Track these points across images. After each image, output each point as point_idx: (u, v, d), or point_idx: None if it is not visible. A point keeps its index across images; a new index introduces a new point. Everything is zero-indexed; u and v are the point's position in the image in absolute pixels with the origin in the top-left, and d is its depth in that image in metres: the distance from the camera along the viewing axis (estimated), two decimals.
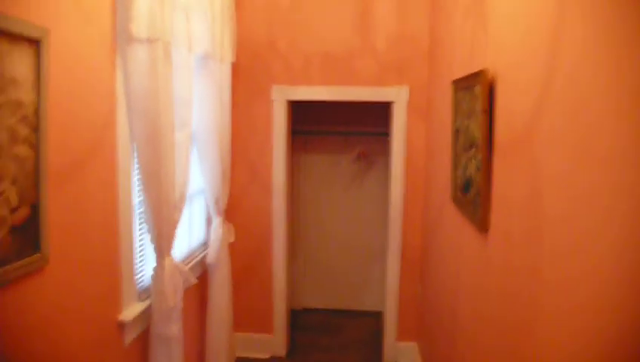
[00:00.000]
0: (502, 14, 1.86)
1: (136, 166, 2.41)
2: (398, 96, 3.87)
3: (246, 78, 3.95)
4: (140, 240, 2.53)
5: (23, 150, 1.62)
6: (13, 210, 1.59)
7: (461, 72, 2.51)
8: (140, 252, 2.53)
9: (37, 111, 1.68)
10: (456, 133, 2.45)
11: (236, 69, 3.82)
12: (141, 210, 2.49)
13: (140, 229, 2.52)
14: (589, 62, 1.13)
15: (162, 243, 2.48)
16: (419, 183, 3.93)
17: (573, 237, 1.19)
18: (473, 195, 2.10)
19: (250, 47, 3.92)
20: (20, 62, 1.59)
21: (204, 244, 3.51)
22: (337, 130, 4.94)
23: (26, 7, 1.64)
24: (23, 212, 1.63)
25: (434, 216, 3.39)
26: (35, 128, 1.67)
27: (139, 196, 2.47)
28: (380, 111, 4.44)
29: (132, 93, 2.28)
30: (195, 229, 3.46)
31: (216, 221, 3.41)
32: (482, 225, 1.97)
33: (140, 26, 2.19)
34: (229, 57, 3.41)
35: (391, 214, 4.00)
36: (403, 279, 4.05)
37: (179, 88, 2.60)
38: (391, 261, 4.05)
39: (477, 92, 2.01)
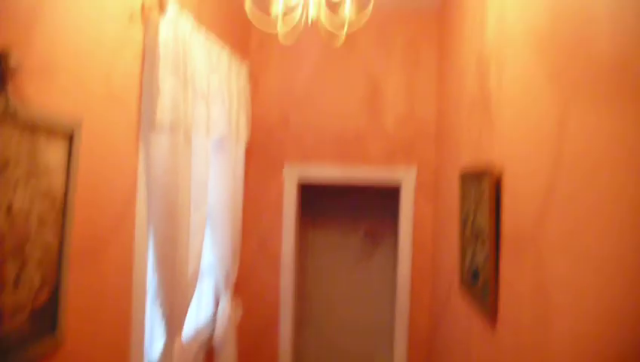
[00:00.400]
0: (507, 111, 1.96)
1: (151, 247, 2.47)
2: (406, 176, 3.97)
3: (259, 157, 4.08)
4: (151, 320, 2.55)
5: (49, 235, 1.69)
6: (36, 294, 1.64)
7: (468, 160, 2.60)
8: (151, 331, 2.55)
9: (65, 198, 1.76)
10: (464, 221, 2.51)
11: (250, 148, 3.96)
12: (154, 289, 2.53)
13: (152, 307, 2.54)
14: (592, 167, 1.21)
15: (173, 323, 2.50)
16: (426, 264, 3.96)
17: (581, 342, 1.23)
18: (481, 285, 2.14)
19: (264, 126, 4.07)
20: (54, 152, 1.69)
21: (212, 322, 3.51)
22: (346, 208, 5.02)
23: (62, 97, 1.76)
24: (44, 295, 1.69)
25: (442, 299, 3.40)
26: (63, 213, 1.75)
27: (152, 276, 2.51)
28: (389, 190, 4.53)
29: (152, 177, 2.38)
30: (203, 306, 3.47)
31: (225, 298, 3.43)
32: (491, 315, 1.99)
33: (163, 114, 2.33)
34: (243, 138, 3.55)
35: (398, 293, 4.00)
36: (410, 359, 4.00)
37: (196, 171, 2.71)
38: (398, 340, 4.01)
39: (484, 186, 2.09)
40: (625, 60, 1.05)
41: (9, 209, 1.49)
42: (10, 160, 1.48)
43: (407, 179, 3.97)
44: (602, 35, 1.16)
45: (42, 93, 1.65)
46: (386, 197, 4.77)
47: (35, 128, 1.59)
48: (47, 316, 1.70)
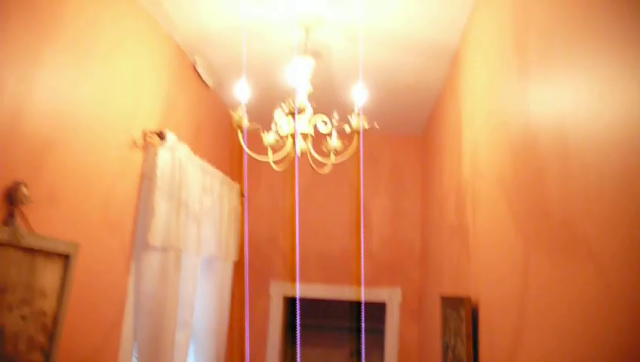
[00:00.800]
0: (481, 243, 2.09)
1: None
2: (390, 297, 4.02)
3: (246, 274, 4.14)
4: None
5: (36, 357, 1.72)
6: None
7: (448, 288, 2.69)
8: None
9: (55, 320, 1.81)
10: (446, 348, 2.55)
11: (238, 264, 4.02)
12: None
13: None
14: (554, 303, 1.30)
15: None
16: None
17: None
18: None
19: (253, 243, 4.17)
20: (50, 275, 1.77)
21: None
22: (332, 325, 4.98)
23: (63, 224, 1.87)
24: None
25: None
26: (51, 335, 1.80)
27: None
28: (376, 308, 4.54)
29: (141, 295, 2.44)
30: None
31: None
32: None
33: (156, 236, 2.43)
34: (232, 256, 3.63)
35: None
36: None
37: (184, 290, 2.77)
38: None
39: (462, 315, 2.16)
40: (569, 219, 1.19)
41: (1, 331, 1.54)
42: (9, 284, 1.56)
43: (391, 300, 4.02)
44: (552, 193, 1.31)
45: (45, 221, 1.76)
46: (372, 316, 4.77)
47: (35, 253, 1.68)
48: None
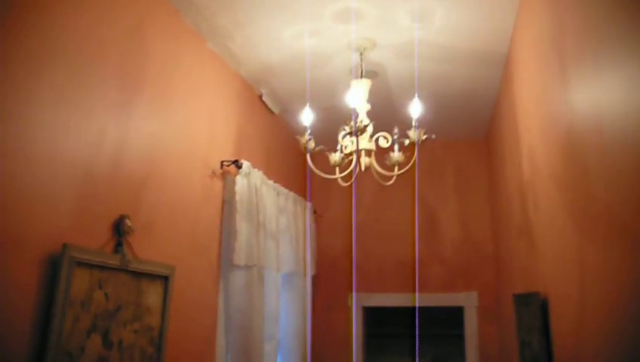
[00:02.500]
0: (543, 239, 2.16)
1: None
2: (467, 301, 4.07)
3: (325, 287, 4.33)
4: None
5: None
6: None
7: (520, 286, 2.75)
8: None
9: (160, 333, 2.07)
10: (522, 345, 2.61)
11: (316, 279, 4.22)
12: None
13: None
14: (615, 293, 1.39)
15: None
16: None
17: None
18: None
19: (329, 258, 4.36)
20: (154, 294, 2.03)
21: None
22: (411, 333, 5.06)
23: (159, 250, 2.14)
24: None
25: None
26: (158, 347, 2.05)
27: None
28: (454, 312, 4.58)
29: (230, 311, 2.68)
30: None
31: None
32: None
33: (239, 256, 2.67)
34: (310, 271, 3.84)
35: None
36: None
37: (268, 305, 2.99)
38: None
39: (533, 310, 2.23)
40: (613, 211, 1.28)
41: (120, 343, 1.81)
42: (123, 303, 1.83)
43: (468, 303, 4.07)
44: (595, 187, 1.40)
45: (146, 248, 2.03)
46: (451, 322, 4.81)
47: (141, 276, 1.95)
48: None
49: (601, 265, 1.41)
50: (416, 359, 4.70)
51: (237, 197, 2.72)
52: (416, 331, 4.93)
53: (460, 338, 4.20)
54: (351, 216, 4.43)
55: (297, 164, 4.08)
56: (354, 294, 4.29)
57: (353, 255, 4.33)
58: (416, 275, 4.15)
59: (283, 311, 3.46)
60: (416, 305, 4.15)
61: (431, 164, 4.38)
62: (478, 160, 4.33)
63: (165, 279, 2.12)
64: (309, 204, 3.97)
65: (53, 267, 1.53)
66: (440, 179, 4.36)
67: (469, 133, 4.25)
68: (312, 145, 2.50)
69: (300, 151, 3.99)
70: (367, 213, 4.42)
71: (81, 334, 1.62)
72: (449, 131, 4.13)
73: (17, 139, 1.45)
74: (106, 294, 1.74)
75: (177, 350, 2.25)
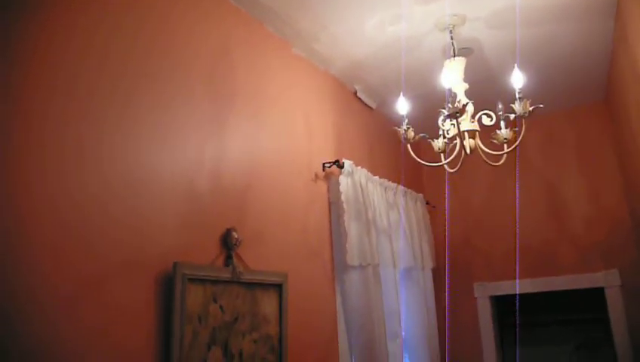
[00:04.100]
0: None
1: None
2: (607, 280, 3.70)
3: (448, 280, 4.16)
4: None
5: None
6: None
7: None
8: None
9: (280, 340, 2.09)
10: None
11: (437, 272, 4.07)
12: None
13: None
14: None
15: None
16: None
17: None
18: None
19: (449, 249, 4.19)
20: (269, 303, 2.06)
21: None
22: (550, 320, 4.72)
23: (270, 257, 2.16)
24: None
25: None
26: (279, 355, 2.07)
27: None
28: (595, 295, 4.20)
29: (349, 312, 2.65)
30: None
31: None
32: None
33: (352, 256, 2.63)
34: (429, 264, 3.71)
35: None
36: None
37: (388, 302, 2.92)
38: None
39: None
40: None
41: (240, 354, 1.84)
42: (239, 314, 1.86)
43: (609, 284, 3.70)
44: None
45: (256, 258, 2.06)
46: (591, 305, 4.41)
47: (254, 286, 1.98)
48: None
49: None
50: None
51: (342, 197, 2.69)
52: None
53: (602, 322, 3.83)
54: (466, 204, 4.24)
55: (402, 157, 3.97)
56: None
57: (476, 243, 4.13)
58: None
59: (405, 307, 3.37)
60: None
61: (546, 138, 4.05)
62: (599, 125, 3.93)
63: (279, 287, 2.13)
64: (420, 196, 3.85)
65: (168, 285, 1.59)
66: (559, 151, 4.02)
67: (584, 97, 3.86)
68: (411, 134, 2.40)
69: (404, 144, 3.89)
70: (482, 199, 4.19)
71: (201, 348, 1.67)
72: (561, 99, 3.78)
73: (125, 164, 1.53)
74: (221, 307, 1.78)
75: (299, 356, 2.25)
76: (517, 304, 4.46)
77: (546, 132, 4.03)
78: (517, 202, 4.00)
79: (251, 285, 1.96)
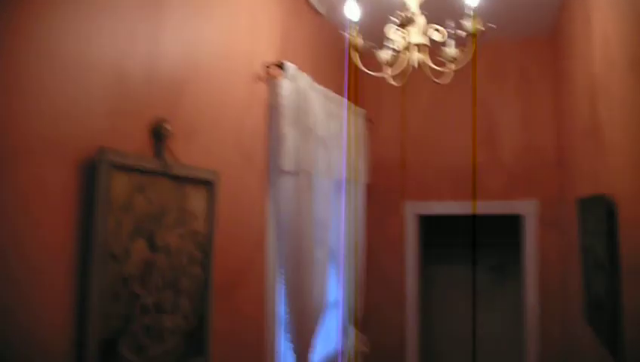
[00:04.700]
0: (617, 137, 1.96)
1: (281, 281, 2.72)
2: (527, 209, 3.91)
3: (379, 195, 4.26)
4: (282, 347, 2.79)
5: (196, 270, 2.00)
6: (187, 320, 1.94)
7: (585, 190, 2.57)
8: (283, 360, 2.78)
9: (208, 238, 2.07)
10: (585, 251, 2.47)
11: (370, 188, 4.15)
12: (285, 320, 2.77)
13: (283, 337, 2.78)
14: None
15: (301, 352, 2.71)
16: (555, 295, 3.82)
17: None
18: (604, 317, 2.10)
19: (383, 166, 4.26)
20: (198, 200, 2.01)
21: (339, 353, 3.68)
22: (468, 242, 4.99)
23: (203, 154, 2.09)
24: (194, 320, 1.98)
25: (570, 332, 3.27)
26: (206, 252, 2.06)
27: (283, 307, 2.76)
28: (512, 221, 4.45)
29: (280, 217, 2.66)
30: (331, 338, 3.66)
31: (351, 331, 3.59)
32: (615, 348, 1.94)
33: (288, 161, 2.60)
34: (363, 179, 3.76)
35: (526, 327, 3.89)
36: None
37: (319, 210, 2.95)
38: None
39: (599, 214, 2.08)
40: None
41: (167, 248, 1.81)
42: (166, 208, 1.81)
43: (528, 211, 3.91)
44: None
45: (188, 153, 1.98)
46: (508, 230, 4.68)
47: (183, 181, 1.91)
48: (196, 340, 1.99)
49: None
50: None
51: (283, 101, 2.61)
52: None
53: (519, 246, 4.08)
54: (404, 123, 4.26)
55: (347, 70, 3.89)
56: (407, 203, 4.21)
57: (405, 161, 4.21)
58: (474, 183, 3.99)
59: (336, 218, 3.43)
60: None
61: (491, 66, 4.07)
62: (542, 61, 3.99)
63: (210, 185, 2.08)
64: (361, 111, 3.82)
65: (91, 171, 1.50)
66: (501, 81, 4.07)
67: (532, 29, 3.88)
68: (358, 41, 2.32)
69: (350, 57, 3.79)
70: (422, 119, 4.23)
71: (124, 237, 1.61)
72: (510, 27, 3.78)
73: (48, 42, 1.39)
74: (147, 198, 1.72)
75: (226, 254, 2.26)
76: (441, 224, 4.65)
77: (490, 59, 4.05)
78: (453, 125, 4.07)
79: (181, 179, 1.90)
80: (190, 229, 1.96)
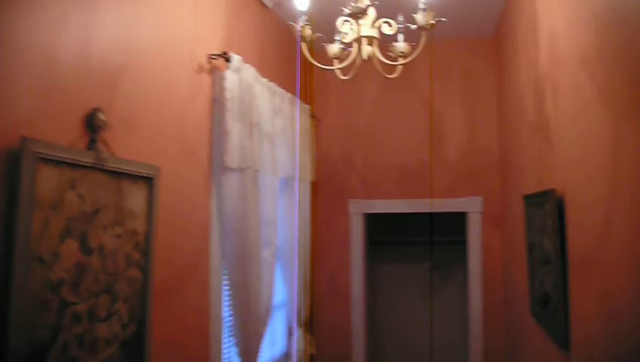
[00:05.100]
0: (565, 134, 1.97)
1: (225, 282, 2.60)
2: (471, 206, 3.95)
3: (325, 194, 4.19)
4: (228, 353, 2.66)
5: (134, 273, 1.85)
6: (124, 326, 1.79)
7: (531, 187, 2.59)
8: None
9: (147, 238, 1.93)
10: (531, 246, 2.49)
11: (316, 186, 4.07)
12: (230, 324, 2.65)
13: (228, 342, 2.66)
14: None
15: (249, 355, 2.60)
16: (498, 291, 3.88)
17: None
18: (552, 311, 2.11)
19: (329, 164, 4.19)
20: (137, 197, 1.87)
21: (286, 356, 3.59)
22: (413, 240, 5.01)
23: (142, 148, 1.95)
24: (132, 328, 1.83)
25: (515, 327, 3.32)
26: (145, 253, 1.91)
27: (227, 311, 2.64)
28: (456, 220, 4.49)
29: (224, 216, 2.54)
30: (278, 341, 3.56)
31: (297, 332, 3.50)
32: (563, 342, 1.95)
33: (232, 158, 2.48)
34: (309, 177, 3.68)
35: (470, 324, 3.93)
36: None
37: (265, 209, 2.84)
38: None
39: (547, 209, 2.08)
40: None
41: (101, 249, 1.66)
42: (101, 206, 1.66)
43: (473, 209, 3.95)
44: None
45: (125, 146, 1.84)
46: (453, 229, 4.73)
47: (120, 176, 1.77)
48: (135, 349, 1.85)
49: None
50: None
51: (227, 95, 2.49)
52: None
53: (464, 244, 4.13)
54: (351, 121, 4.22)
55: (294, 64, 3.80)
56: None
57: (352, 160, 4.17)
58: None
59: (282, 217, 3.33)
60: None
61: (436, 65, 4.08)
62: (486, 60, 4.05)
63: (149, 180, 1.94)
64: (307, 107, 3.74)
65: (14, 163, 1.34)
66: (446, 80, 4.10)
67: (477, 31, 3.93)
68: (307, 32, 2.23)
69: (298, 52, 3.70)
70: (369, 117, 4.20)
71: (53, 239, 1.46)
72: (457, 28, 3.81)
73: None
74: (80, 195, 1.57)
75: (168, 256, 2.12)
76: (386, 223, 4.64)
77: (436, 59, 4.05)
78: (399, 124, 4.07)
79: (117, 174, 1.75)
80: (128, 229, 1.81)
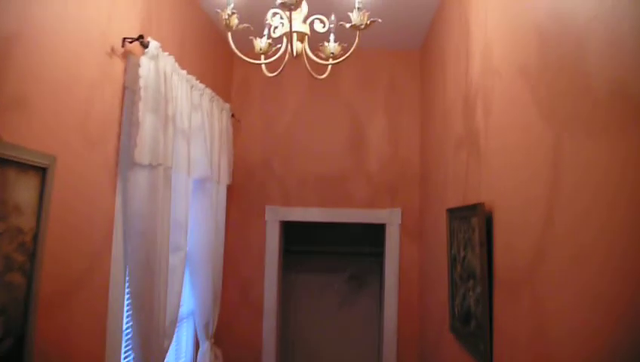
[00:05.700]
0: (496, 146, 1.93)
1: (127, 292, 2.34)
2: (390, 218, 3.92)
3: (241, 199, 4.00)
4: None
5: (16, 278, 1.58)
6: None
7: (455, 200, 2.56)
8: None
9: (35, 238, 1.66)
10: (453, 261, 2.44)
11: (232, 190, 3.87)
12: (129, 337, 2.39)
13: (127, 358, 2.40)
14: (591, 199, 1.15)
15: None
16: (414, 306, 3.86)
17: None
18: (474, 329, 2.05)
19: (246, 168, 4.01)
20: (25, 189, 1.60)
21: None
22: (330, 251, 4.91)
23: (36, 133, 1.68)
24: (7, 342, 1.56)
25: (431, 343, 3.29)
26: (31, 255, 1.64)
27: (127, 323, 2.38)
28: (374, 232, 4.45)
29: (130, 217, 2.28)
30: (183, 354, 3.31)
31: (205, 346, 3.27)
32: (484, 359, 1.90)
33: (142, 153, 2.25)
34: (225, 179, 3.47)
35: (385, 338, 3.88)
36: None
37: (176, 211, 2.62)
38: None
39: (474, 224, 2.03)
40: (623, 83, 1.02)
41: None
42: None
43: (391, 221, 3.92)
44: (595, 59, 1.13)
45: (16, 130, 1.57)
46: (371, 240, 4.69)
47: (6, 164, 1.50)
48: None
49: (589, 161, 1.16)
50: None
51: (141, 83, 2.25)
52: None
53: (381, 256, 4.08)
54: (271, 124, 4.06)
55: (216, 59, 3.60)
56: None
57: (271, 164, 4.01)
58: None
59: (194, 220, 3.10)
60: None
61: (362, 74, 4.04)
62: (411, 73, 4.05)
63: (43, 171, 1.68)
64: (227, 106, 3.54)
65: None
66: (371, 90, 4.05)
67: (404, 43, 3.92)
68: (234, 21, 2.05)
69: (222, 44, 3.50)
70: (291, 121, 4.06)
71: None
72: (384, 39, 3.79)
73: None
74: None
75: (60, 259, 1.85)
76: (303, 232, 4.51)
77: (362, 68, 4.01)
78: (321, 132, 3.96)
79: (3, 162, 1.49)
80: (10, 226, 1.54)
